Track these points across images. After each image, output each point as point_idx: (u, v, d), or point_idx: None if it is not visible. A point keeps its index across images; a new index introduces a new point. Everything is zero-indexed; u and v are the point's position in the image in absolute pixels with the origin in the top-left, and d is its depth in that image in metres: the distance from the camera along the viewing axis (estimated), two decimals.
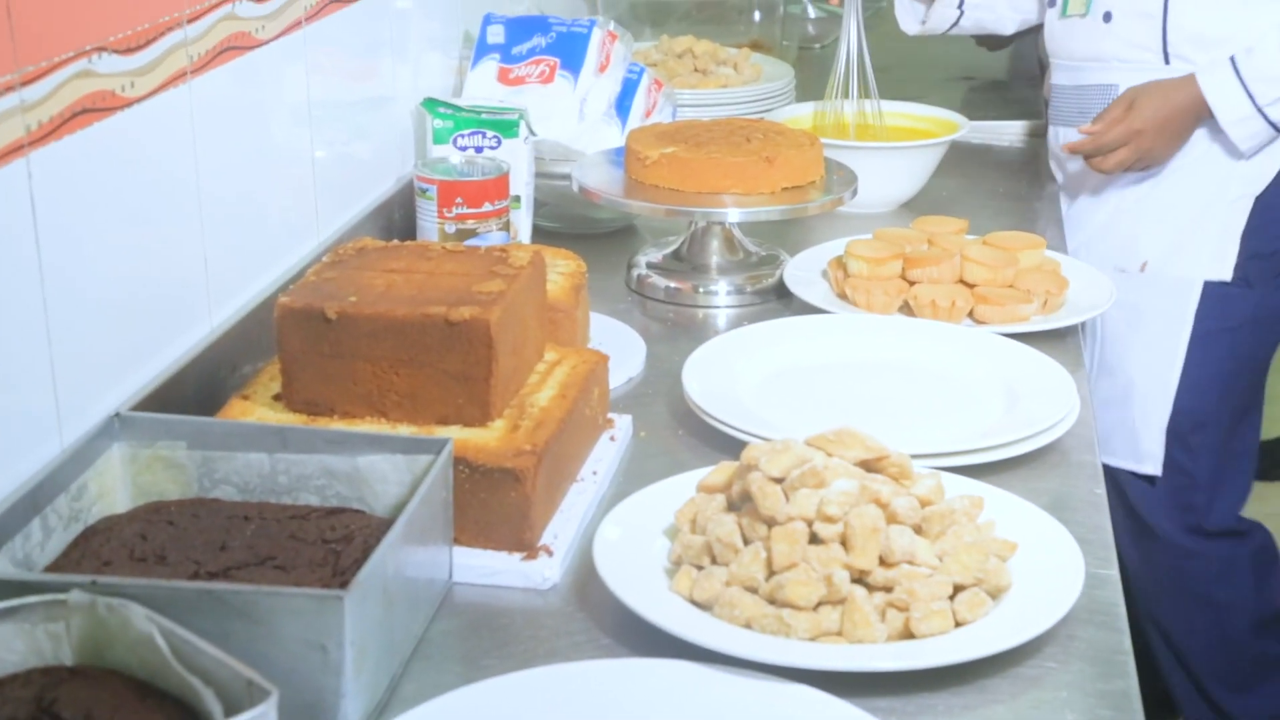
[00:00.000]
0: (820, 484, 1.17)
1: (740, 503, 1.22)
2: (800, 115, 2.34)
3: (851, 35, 2.23)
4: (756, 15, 2.86)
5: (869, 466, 1.23)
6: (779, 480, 1.18)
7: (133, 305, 1.33)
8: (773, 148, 1.85)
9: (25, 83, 1.13)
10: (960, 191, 2.21)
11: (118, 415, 1.23)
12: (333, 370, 1.31)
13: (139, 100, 1.30)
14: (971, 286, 1.77)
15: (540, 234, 2.04)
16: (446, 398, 1.30)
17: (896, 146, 2.17)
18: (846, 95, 2.25)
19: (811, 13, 3.35)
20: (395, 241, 1.48)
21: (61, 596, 0.96)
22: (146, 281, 1.35)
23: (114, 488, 1.21)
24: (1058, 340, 1.72)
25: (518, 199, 1.91)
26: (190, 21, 1.38)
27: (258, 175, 1.56)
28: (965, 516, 1.21)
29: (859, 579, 1.14)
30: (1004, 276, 1.77)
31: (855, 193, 1.88)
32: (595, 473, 1.41)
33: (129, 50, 1.27)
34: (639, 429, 1.53)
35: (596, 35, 2.08)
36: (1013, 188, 2.32)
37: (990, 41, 2.71)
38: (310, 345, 1.30)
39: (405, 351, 1.29)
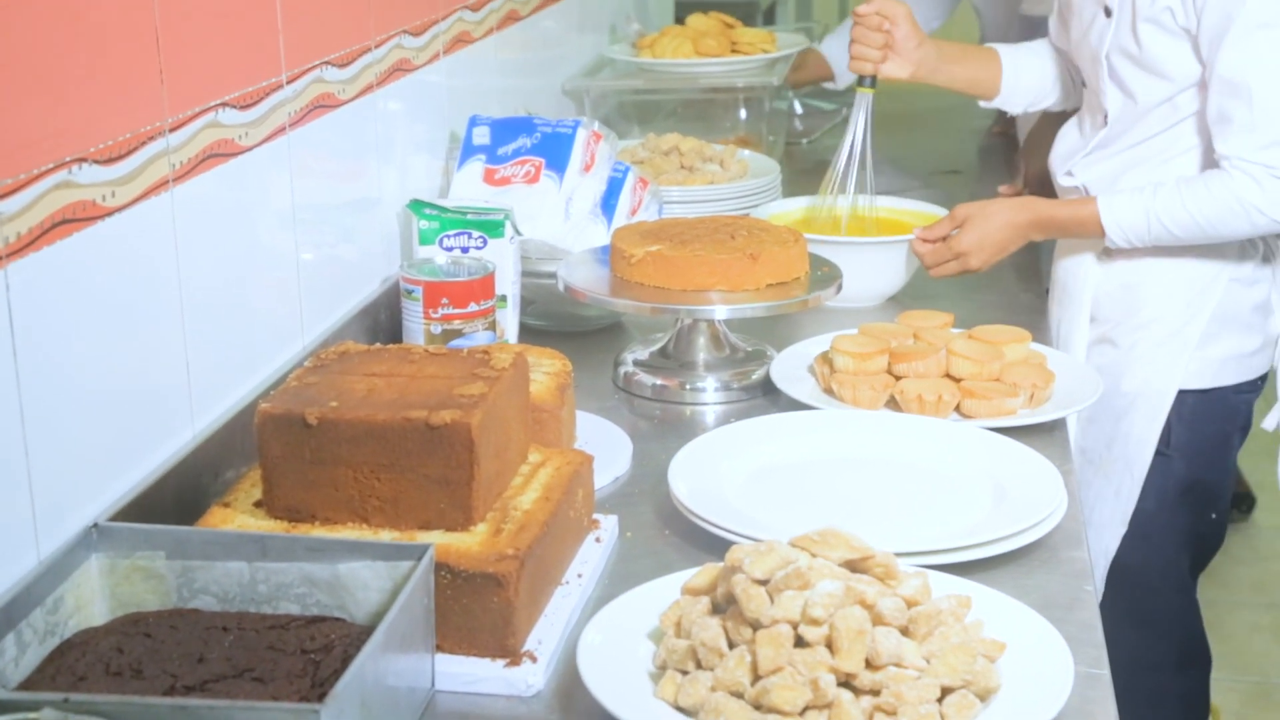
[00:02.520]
0: (805, 585, 1.16)
1: (725, 605, 1.21)
2: (787, 210, 2.35)
3: (858, 131, 2.25)
4: (743, 113, 2.89)
5: (854, 567, 1.22)
6: (763, 582, 1.17)
7: (113, 413, 1.32)
8: (757, 244, 1.86)
9: (2, 196, 1.14)
10: (945, 284, 2.22)
11: (96, 526, 1.22)
12: (314, 476, 1.30)
13: (120, 209, 1.30)
14: (958, 381, 1.77)
15: (527, 332, 2.05)
16: (428, 502, 1.29)
17: (880, 241, 2.18)
18: (844, 190, 2.27)
19: (798, 108, 3.38)
20: (378, 345, 1.48)
21: (33, 716, 0.95)
22: (127, 389, 1.34)
23: (91, 599, 1.20)
24: (1045, 434, 1.71)
25: (504, 298, 1.92)
26: (172, 130, 1.39)
27: (241, 280, 1.57)
28: (952, 616, 1.20)
29: (845, 682, 1.13)
30: (990, 370, 1.77)
31: (840, 288, 1.89)
32: (580, 575, 1.39)
33: (110, 160, 1.28)
34: (625, 529, 1.52)
35: (581, 135, 2.10)
36: (997, 280, 2.33)
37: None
38: (291, 451, 1.30)
39: (386, 456, 1.29)
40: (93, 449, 1.29)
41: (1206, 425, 2.14)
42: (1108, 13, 2.05)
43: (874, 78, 2.25)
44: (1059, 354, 1.91)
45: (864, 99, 2.26)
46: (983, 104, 2.38)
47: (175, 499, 1.39)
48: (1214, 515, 2.25)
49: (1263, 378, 2.18)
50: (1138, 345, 2.12)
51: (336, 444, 1.29)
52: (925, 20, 2.43)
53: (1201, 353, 2.10)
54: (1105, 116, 2.09)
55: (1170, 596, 2.23)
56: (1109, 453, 2.14)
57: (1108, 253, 2.12)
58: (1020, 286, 2.31)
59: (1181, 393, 2.11)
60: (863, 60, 2.24)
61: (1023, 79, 2.33)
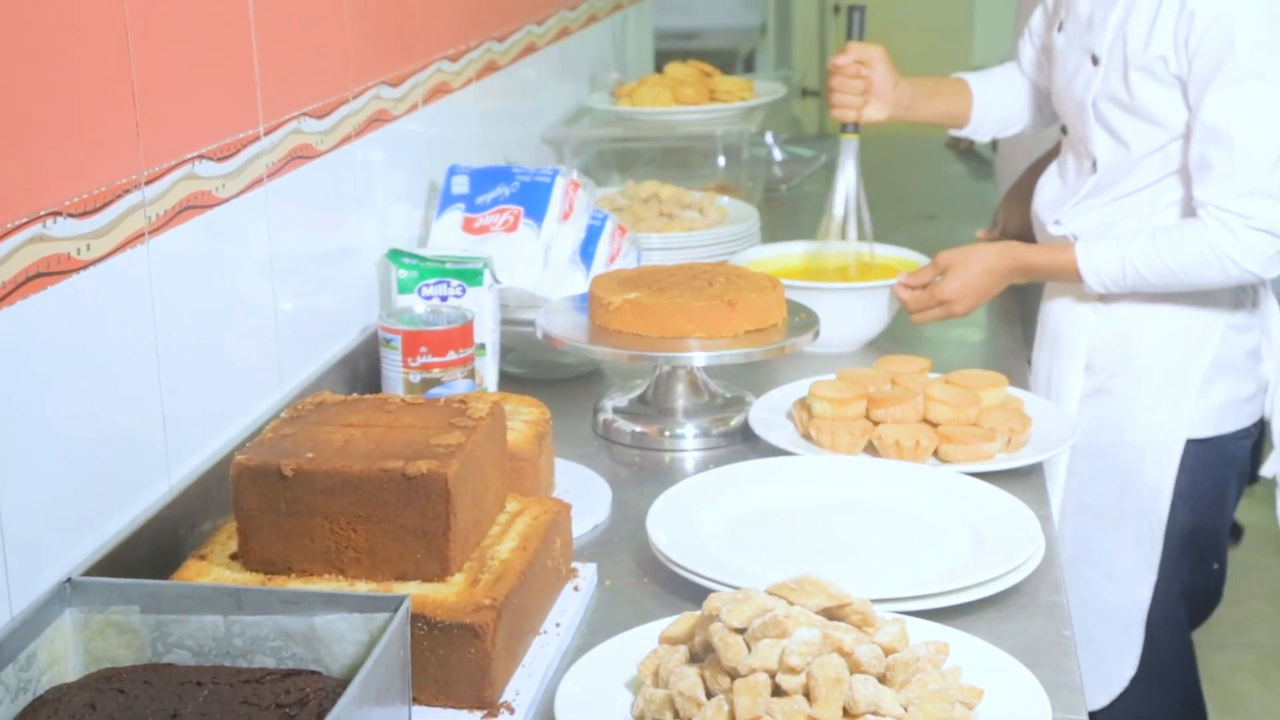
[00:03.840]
0: (782, 634, 1.16)
1: (703, 654, 1.21)
2: (765, 256, 2.36)
3: (850, 177, 2.27)
4: (721, 160, 2.90)
5: (831, 614, 1.22)
6: (741, 631, 1.17)
7: (88, 466, 1.32)
8: (734, 291, 1.87)
9: None
10: (922, 328, 2.23)
11: (69, 581, 1.21)
12: (290, 528, 1.29)
13: (95, 262, 1.30)
14: (935, 425, 1.77)
15: (507, 380, 2.05)
16: (405, 553, 1.29)
17: (860, 287, 2.19)
18: (845, 237, 2.28)
19: (777, 155, 3.40)
20: (355, 395, 1.48)
21: None
22: (102, 442, 1.34)
23: (64, 655, 1.19)
24: (1022, 478, 1.71)
25: (483, 347, 1.92)
26: (149, 183, 1.39)
27: (218, 331, 1.57)
28: (930, 663, 1.19)
29: None
30: (967, 415, 1.77)
31: (817, 334, 1.89)
32: (558, 625, 1.39)
33: (85, 214, 1.28)
34: (604, 577, 1.51)
35: (559, 184, 2.11)
36: (974, 324, 2.34)
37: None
38: (267, 503, 1.29)
39: (363, 507, 1.28)
40: (67, 503, 1.29)
41: (1207, 473, 2.14)
42: (1095, 61, 2.06)
43: (857, 124, 2.27)
44: (1035, 398, 1.92)
45: (850, 145, 2.28)
46: (953, 132, 2.40)
47: (151, 552, 1.38)
48: (1215, 565, 2.25)
49: (1257, 424, 2.19)
50: (1138, 394, 2.12)
51: (312, 495, 1.28)
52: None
53: (1203, 400, 2.11)
54: (1094, 163, 2.10)
55: (1170, 647, 2.22)
56: (1121, 504, 2.14)
57: (1103, 300, 2.13)
58: (997, 330, 2.32)
59: (1186, 441, 2.11)
60: (845, 108, 2.26)
61: (992, 108, 2.36)
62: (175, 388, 1.46)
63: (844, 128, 2.28)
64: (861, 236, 2.29)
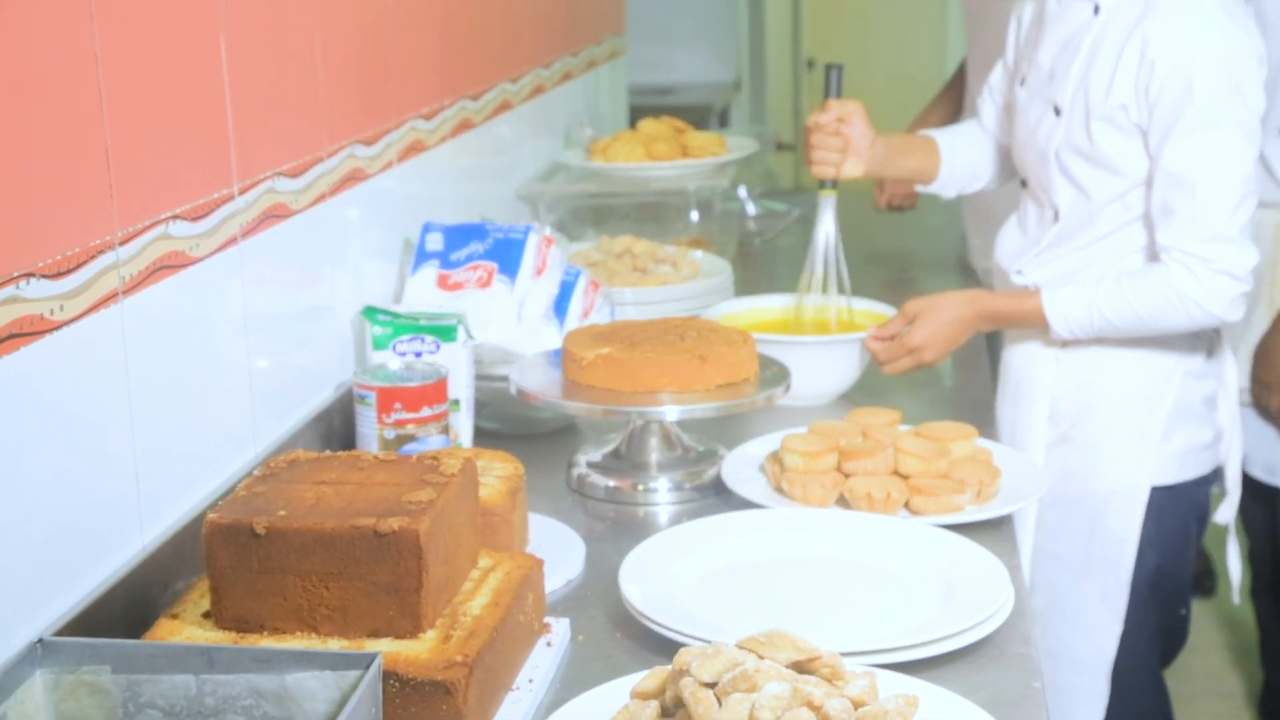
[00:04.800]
0: (752, 688, 1.17)
1: (673, 709, 1.21)
2: (738, 310, 2.38)
3: (829, 232, 2.29)
4: (694, 214, 2.93)
5: (801, 668, 1.22)
6: (711, 685, 1.18)
7: (60, 526, 1.32)
8: (706, 346, 1.89)
9: None
10: (893, 379, 2.25)
11: (40, 641, 1.21)
12: (262, 586, 1.30)
13: (68, 322, 1.31)
14: (906, 478, 1.79)
15: (481, 435, 2.06)
16: (377, 610, 1.30)
17: (828, 340, 2.21)
18: (825, 291, 2.30)
19: (750, 209, 3.43)
20: (328, 453, 1.49)
21: None
22: (74, 501, 1.34)
23: (35, 716, 1.19)
24: (992, 530, 1.73)
25: (457, 402, 1.93)
26: (122, 243, 1.40)
27: (192, 390, 1.57)
28: (900, 716, 1.20)
29: None
30: (937, 468, 1.79)
31: (788, 388, 1.91)
32: (531, 681, 1.39)
33: (59, 274, 1.29)
34: (577, 632, 1.52)
35: (533, 240, 2.13)
36: (943, 375, 2.36)
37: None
38: (239, 561, 1.30)
39: (335, 564, 1.29)
40: (39, 562, 1.29)
41: (1172, 519, 2.16)
42: (1057, 111, 2.10)
43: (835, 180, 2.30)
44: (1005, 450, 1.94)
45: (829, 201, 2.30)
46: (919, 188, 2.43)
47: (124, 611, 1.38)
48: (1182, 610, 2.26)
49: (1216, 470, 2.21)
50: (1101, 443, 2.14)
51: (285, 553, 1.29)
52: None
53: (1164, 447, 2.13)
54: (1056, 213, 2.13)
55: (1145, 693, 2.23)
56: (1088, 554, 2.15)
57: (1063, 348, 2.15)
58: (967, 382, 2.34)
59: (1150, 488, 2.13)
60: (824, 164, 2.29)
61: (957, 166, 2.40)
62: (149, 446, 1.47)
63: (823, 184, 2.31)
64: (841, 291, 2.31)
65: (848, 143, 2.28)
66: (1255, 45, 1.99)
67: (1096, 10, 2.06)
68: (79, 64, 1.33)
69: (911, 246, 3.27)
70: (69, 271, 1.31)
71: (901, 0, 8.06)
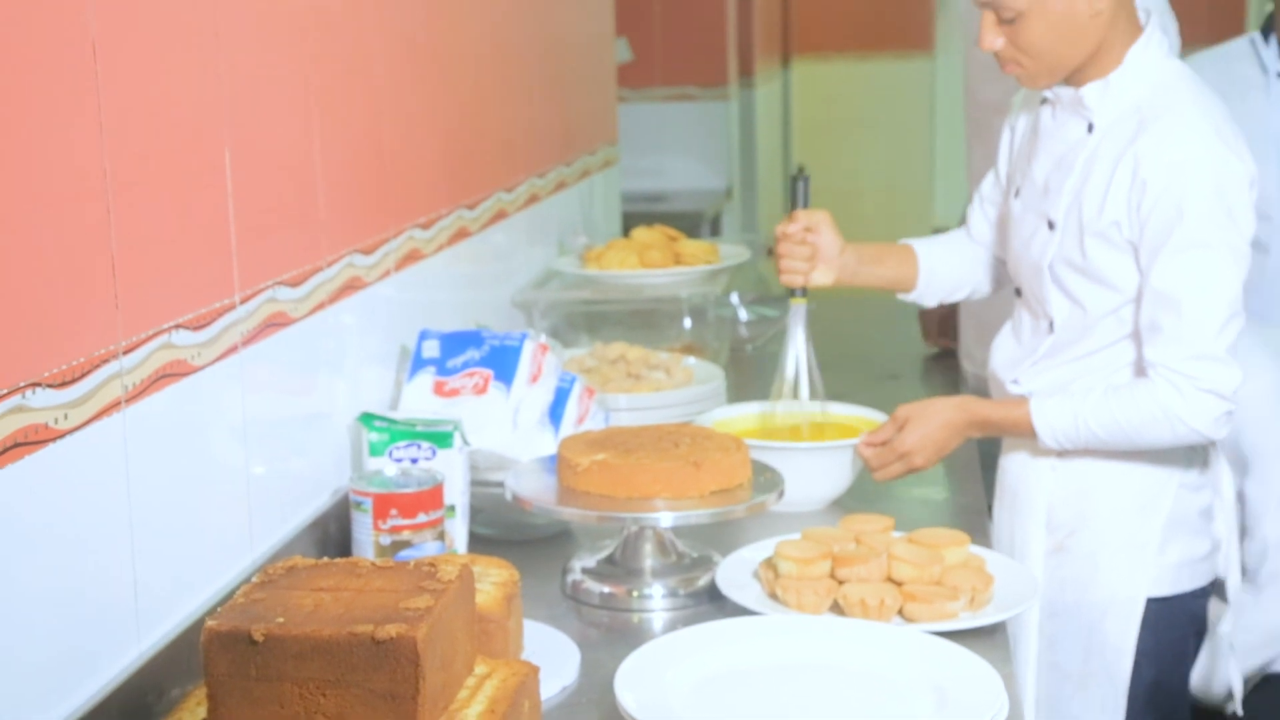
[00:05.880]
0: None
1: None
2: (731, 417, 2.40)
3: (799, 341, 2.32)
4: (687, 321, 2.97)
5: None
6: None
7: (57, 633, 1.33)
8: (700, 452, 1.91)
9: None
10: (885, 485, 2.26)
11: None
12: (259, 693, 1.30)
13: (71, 431, 1.33)
14: (899, 584, 1.80)
15: (476, 541, 2.06)
16: (374, 717, 1.30)
17: (820, 447, 2.23)
18: (797, 397, 2.32)
19: (743, 315, 3.47)
20: (326, 559, 1.50)
21: None
22: (72, 608, 1.35)
23: None
24: (986, 637, 1.73)
25: (453, 508, 1.94)
26: (126, 353, 1.43)
27: (191, 497, 1.59)
28: None
29: None
30: (930, 574, 1.80)
31: (782, 494, 1.93)
32: None
33: (63, 384, 1.32)
34: None
35: (528, 348, 2.15)
36: (936, 480, 2.38)
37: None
38: (237, 669, 1.30)
39: (332, 672, 1.29)
40: (36, 669, 1.29)
41: (1169, 631, 2.16)
42: (1051, 226, 2.13)
43: (805, 288, 2.33)
44: (998, 556, 1.95)
45: (799, 309, 2.33)
46: (900, 296, 2.46)
47: (121, 719, 1.38)
48: None
49: (1213, 583, 2.22)
50: (1098, 553, 2.15)
51: (282, 660, 1.29)
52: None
53: (1160, 559, 2.14)
54: (1051, 324, 2.16)
55: None
56: (1086, 666, 2.15)
57: (1059, 456, 2.16)
58: (959, 487, 2.36)
59: (1147, 600, 2.14)
60: (793, 273, 2.32)
61: (938, 275, 2.42)
62: (147, 553, 1.48)
63: (792, 292, 2.34)
64: (814, 396, 2.33)
65: (816, 251, 2.31)
66: (1247, 168, 2.03)
67: (1090, 128, 2.10)
68: (89, 177, 1.36)
69: (904, 352, 3.30)
70: (73, 381, 1.33)
71: (890, 110, 8.20)
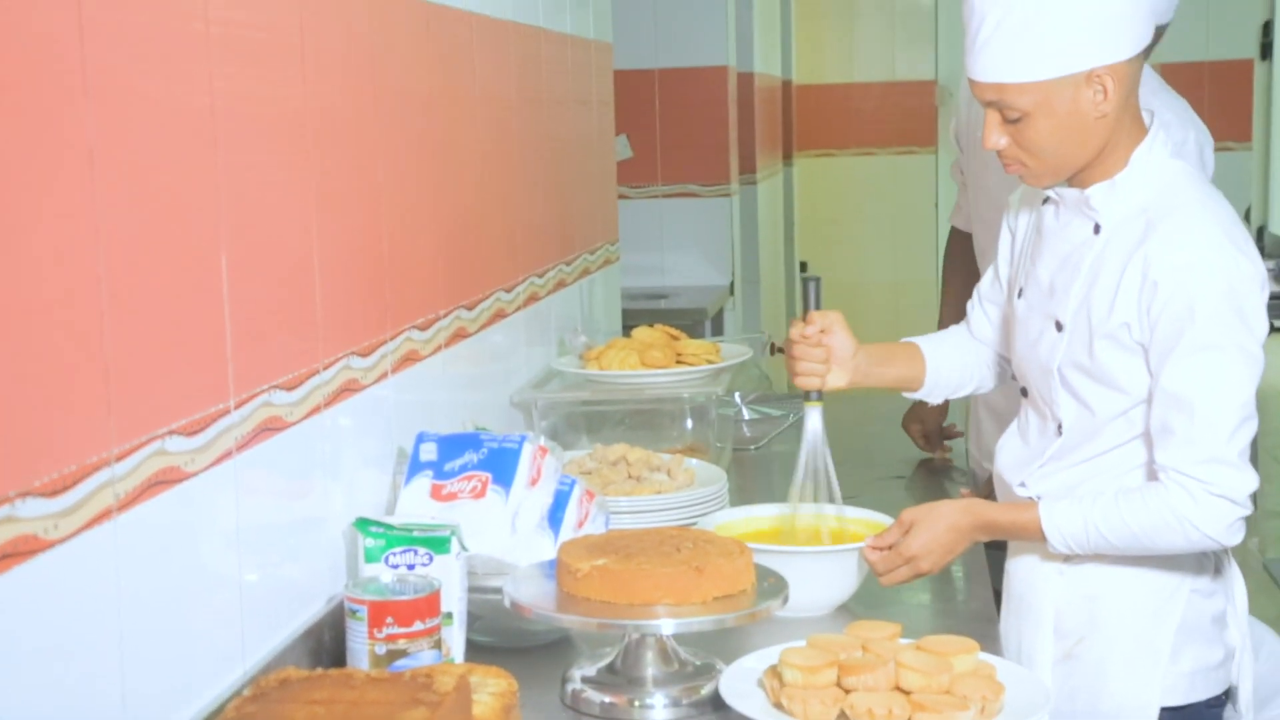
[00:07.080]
0: None
1: None
2: (734, 520, 2.37)
3: (817, 444, 2.29)
4: (689, 422, 2.94)
5: None
6: None
7: None
8: (702, 557, 1.87)
9: None
10: (892, 589, 2.23)
11: None
12: None
13: (61, 541, 1.30)
14: (908, 693, 1.75)
15: (474, 649, 2.02)
16: None
17: (825, 551, 2.19)
18: (816, 500, 2.29)
19: (745, 414, 3.45)
20: (319, 670, 1.47)
21: None
22: None
23: None
24: None
25: (450, 616, 1.90)
26: (118, 460, 1.40)
27: (182, 606, 1.55)
28: None
29: None
30: (939, 683, 1.76)
31: (786, 599, 1.89)
32: None
33: (54, 493, 1.29)
34: None
35: (527, 450, 2.13)
36: (943, 585, 2.34)
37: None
38: None
39: None
40: None
41: None
42: (1059, 327, 2.11)
43: (820, 391, 2.31)
44: (1008, 664, 1.90)
45: (815, 412, 2.30)
46: (906, 395, 2.44)
47: None
48: None
49: (1228, 692, 2.17)
50: (1108, 661, 2.11)
51: None
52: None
53: (1173, 667, 2.10)
54: (1059, 426, 2.13)
55: None
56: None
57: (1067, 561, 2.13)
58: (968, 592, 2.32)
59: (1160, 709, 2.09)
60: (809, 376, 2.29)
61: (943, 373, 2.39)
62: (136, 664, 1.44)
63: (807, 395, 2.32)
64: (831, 501, 2.30)
65: (830, 353, 2.29)
66: (1258, 270, 2.02)
67: (1097, 229, 2.09)
68: (83, 282, 1.35)
69: (911, 453, 3.27)
70: (64, 490, 1.31)
71: (893, 206, 8.26)
